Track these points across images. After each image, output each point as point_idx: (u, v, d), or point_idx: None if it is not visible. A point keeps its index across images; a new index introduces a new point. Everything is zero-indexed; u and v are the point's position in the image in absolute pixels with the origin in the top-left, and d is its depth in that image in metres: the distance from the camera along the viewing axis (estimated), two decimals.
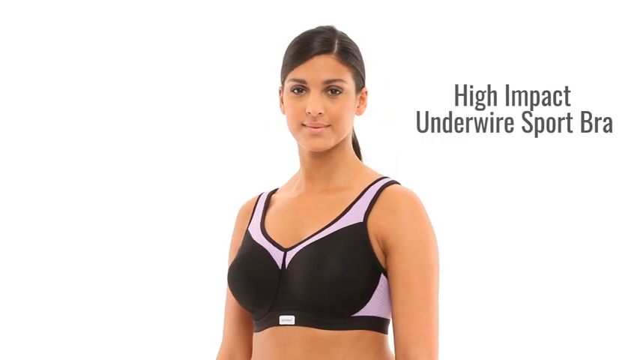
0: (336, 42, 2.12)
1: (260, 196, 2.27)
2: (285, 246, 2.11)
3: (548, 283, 3.84)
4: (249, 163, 3.91)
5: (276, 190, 2.28)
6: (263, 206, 2.23)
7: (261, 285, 2.09)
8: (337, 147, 2.15)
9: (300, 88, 2.11)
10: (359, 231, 2.08)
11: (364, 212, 2.10)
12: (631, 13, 3.84)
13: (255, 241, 2.16)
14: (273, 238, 2.14)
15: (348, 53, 2.12)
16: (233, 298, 2.21)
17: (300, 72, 2.10)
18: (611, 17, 3.85)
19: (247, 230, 2.21)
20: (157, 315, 3.90)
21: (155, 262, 3.92)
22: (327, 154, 2.15)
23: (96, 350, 3.89)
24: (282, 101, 2.18)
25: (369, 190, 2.13)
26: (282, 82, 2.16)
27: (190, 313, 3.86)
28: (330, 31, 2.14)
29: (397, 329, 2.07)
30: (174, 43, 3.96)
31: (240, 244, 2.22)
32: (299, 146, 2.18)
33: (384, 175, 2.18)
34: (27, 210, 3.94)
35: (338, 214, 2.11)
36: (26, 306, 3.91)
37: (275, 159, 3.65)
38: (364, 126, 2.28)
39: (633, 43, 3.84)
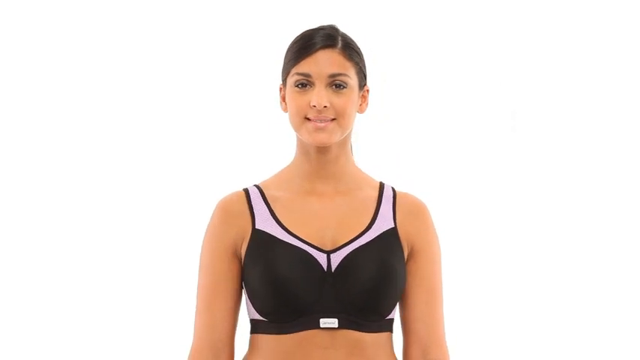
0: (339, 38, 2.12)
1: (248, 193, 2.16)
2: (324, 248, 2.09)
3: (536, 280, 3.85)
4: (237, 160, 3.89)
5: (260, 186, 2.18)
6: (264, 204, 2.14)
7: (302, 287, 2.05)
8: (342, 147, 2.15)
9: (305, 83, 2.10)
10: (394, 236, 2.12)
11: (392, 217, 2.13)
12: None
13: (286, 242, 2.08)
14: (307, 240, 2.09)
15: (351, 49, 2.13)
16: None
17: (304, 66, 2.09)
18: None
19: (257, 229, 2.11)
20: (152, 314, 3.89)
21: (142, 260, 3.91)
22: (334, 154, 2.14)
23: (90, 348, 3.89)
24: (282, 99, 2.16)
25: (384, 194, 2.16)
26: (285, 79, 2.14)
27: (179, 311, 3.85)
28: (332, 28, 2.15)
29: (419, 331, 2.13)
30: (165, 41, 3.95)
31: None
32: (302, 146, 2.15)
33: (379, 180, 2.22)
34: (16, 205, 3.93)
35: (370, 218, 2.13)
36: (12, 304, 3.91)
37: (262, 157, 3.65)
38: (358, 125, 2.27)
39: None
